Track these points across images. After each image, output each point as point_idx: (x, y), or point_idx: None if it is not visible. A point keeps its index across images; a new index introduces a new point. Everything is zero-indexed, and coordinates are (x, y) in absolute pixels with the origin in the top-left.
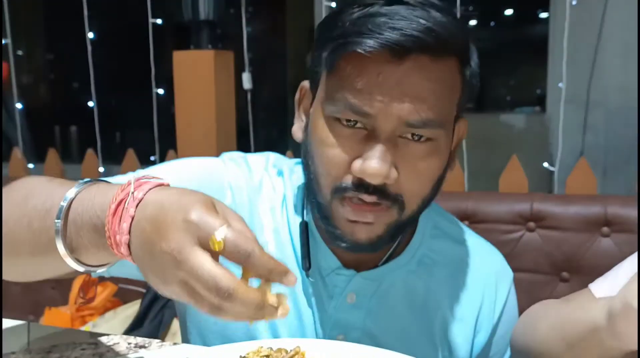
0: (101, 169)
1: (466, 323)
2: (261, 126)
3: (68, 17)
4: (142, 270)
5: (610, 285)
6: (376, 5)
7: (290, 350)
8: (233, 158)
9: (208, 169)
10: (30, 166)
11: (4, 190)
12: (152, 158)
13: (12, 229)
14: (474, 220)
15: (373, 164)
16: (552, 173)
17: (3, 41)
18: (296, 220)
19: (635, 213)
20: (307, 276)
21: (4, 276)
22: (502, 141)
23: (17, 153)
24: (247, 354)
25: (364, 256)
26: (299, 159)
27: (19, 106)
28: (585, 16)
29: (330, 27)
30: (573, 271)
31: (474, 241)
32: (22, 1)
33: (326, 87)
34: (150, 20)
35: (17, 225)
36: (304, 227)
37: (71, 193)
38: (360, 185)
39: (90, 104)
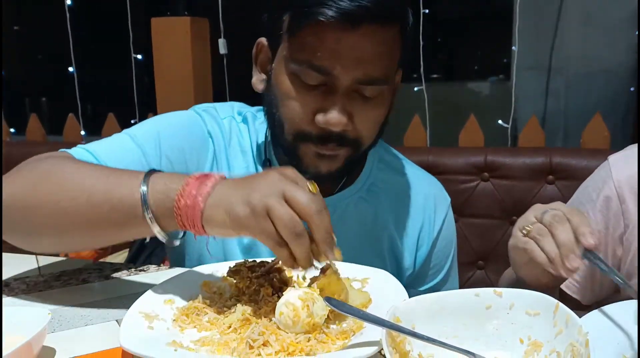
0: (82, 133)
1: (409, 239)
2: (236, 89)
3: None
4: (218, 212)
5: None
6: None
7: (272, 260)
8: (206, 109)
9: (189, 125)
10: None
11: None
12: (132, 121)
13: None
14: (434, 171)
15: (335, 115)
16: (502, 132)
17: None
18: (261, 158)
19: (576, 162)
20: None
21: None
22: (468, 106)
23: None
24: (235, 265)
25: (321, 186)
26: (259, 107)
27: None
28: None
29: None
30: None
31: (415, 171)
32: None
33: (289, 48)
34: None
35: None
36: (268, 164)
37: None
38: (323, 134)
39: (70, 69)
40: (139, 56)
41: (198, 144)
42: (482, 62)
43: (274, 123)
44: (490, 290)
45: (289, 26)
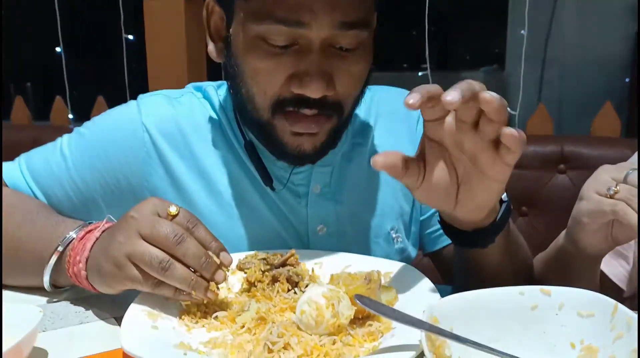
0: (70, 116)
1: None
2: None
3: None
4: (96, 277)
5: None
6: None
7: (286, 253)
8: (150, 100)
9: (118, 127)
10: None
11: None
12: None
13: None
14: None
15: (312, 79)
16: (512, 118)
17: None
18: (240, 141)
19: (588, 150)
20: (273, 189)
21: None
22: None
23: None
24: (246, 257)
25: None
26: (220, 82)
27: None
28: None
29: None
30: (531, 206)
31: (390, 94)
32: None
33: (246, 8)
34: None
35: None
36: (251, 146)
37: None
38: (301, 100)
39: (58, 49)
40: (130, 37)
41: (128, 146)
42: (475, 52)
43: (242, 100)
44: (537, 288)
45: None
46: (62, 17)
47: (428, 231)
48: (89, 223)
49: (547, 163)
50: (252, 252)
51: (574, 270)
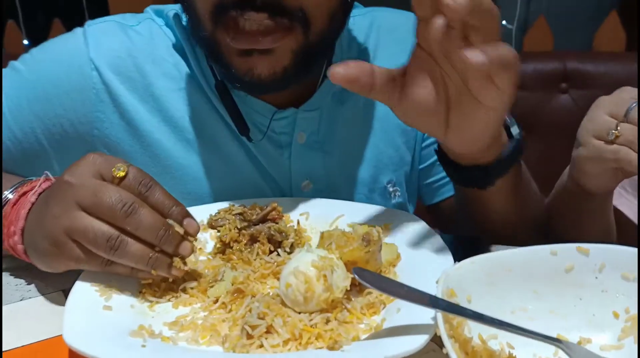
0: (25, 42)
1: None
2: None
3: None
4: (33, 254)
5: None
6: None
7: (266, 206)
8: (99, 28)
9: (60, 62)
10: None
11: None
12: None
13: None
14: None
15: None
16: (508, 32)
17: None
18: (209, 80)
19: (593, 67)
20: (250, 140)
21: None
22: None
23: None
24: (218, 212)
25: (296, 91)
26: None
27: None
28: None
29: None
30: (531, 131)
31: (393, 16)
32: None
33: None
34: None
35: None
36: (223, 87)
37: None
38: (244, 1)
39: None
40: None
41: (73, 85)
42: None
43: (189, 11)
44: (572, 246)
45: None
46: None
47: (428, 181)
48: (26, 181)
49: (548, 82)
50: (226, 205)
51: (584, 211)
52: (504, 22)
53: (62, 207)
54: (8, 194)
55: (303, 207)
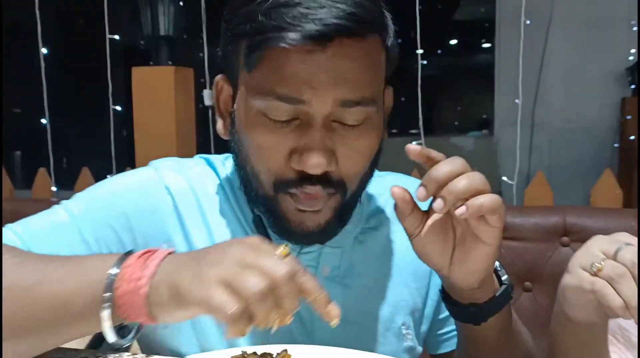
0: (54, 189)
1: None
2: (222, 143)
3: (20, 33)
4: (165, 291)
5: None
6: None
7: (277, 355)
8: (166, 165)
9: (138, 187)
10: None
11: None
12: (108, 176)
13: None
14: None
15: (312, 155)
16: (505, 189)
17: None
18: (247, 216)
19: (592, 222)
20: None
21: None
22: None
23: None
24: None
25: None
26: (226, 155)
27: None
28: (528, 46)
29: (240, 21)
30: (535, 281)
31: (402, 180)
32: None
33: (249, 84)
34: (108, 36)
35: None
36: (259, 221)
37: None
38: (303, 177)
39: (43, 121)
40: (118, 107)
41: (149, 208)
42: (462, 118)
43: (247, 173)
44: None
45: (246, 60)
46: (49, 88)
47: (440, 331)
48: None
49: (549, 235)
50: (239, 352)
51: (573, 343)
52: (504, 178)
53: (227, 260)
54: (127, 258)
55: (313, 355)
